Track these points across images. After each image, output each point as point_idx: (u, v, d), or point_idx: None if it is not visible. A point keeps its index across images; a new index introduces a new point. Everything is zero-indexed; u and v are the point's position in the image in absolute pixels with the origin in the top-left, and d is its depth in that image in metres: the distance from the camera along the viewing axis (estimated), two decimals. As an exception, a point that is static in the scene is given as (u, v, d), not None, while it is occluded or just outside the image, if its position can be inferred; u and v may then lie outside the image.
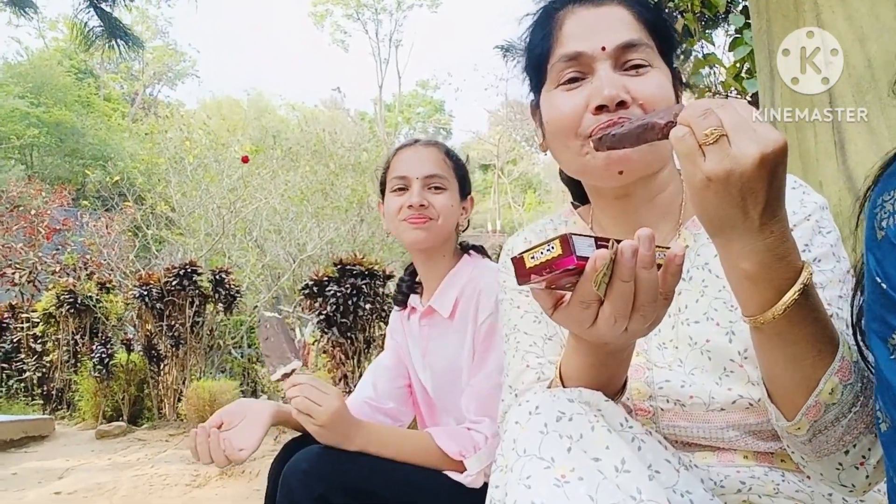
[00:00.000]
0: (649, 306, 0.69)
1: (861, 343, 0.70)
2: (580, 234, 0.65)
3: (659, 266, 0.69)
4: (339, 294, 5.48)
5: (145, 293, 6.51)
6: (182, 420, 6.07)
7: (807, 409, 0.74)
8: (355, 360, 5.45)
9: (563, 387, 0.84)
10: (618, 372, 0.83)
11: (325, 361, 5.65)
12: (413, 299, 1.72)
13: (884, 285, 0.54)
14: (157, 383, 6.53)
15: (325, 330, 5.47)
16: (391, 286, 5.83)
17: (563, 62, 0.95)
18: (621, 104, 0.90)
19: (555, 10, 1.00)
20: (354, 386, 5.29)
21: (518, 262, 0.67)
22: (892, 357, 0.54)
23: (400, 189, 1.59)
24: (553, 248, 0.64)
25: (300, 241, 10.23)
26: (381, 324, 5.67)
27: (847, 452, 0.76)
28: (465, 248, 1.70)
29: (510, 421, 0.76)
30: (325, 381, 5.62)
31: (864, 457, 0.76)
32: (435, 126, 34.20)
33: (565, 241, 0.64)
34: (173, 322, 6.53)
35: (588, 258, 0.65)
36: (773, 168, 0.64)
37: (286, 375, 1.41)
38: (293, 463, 1.29)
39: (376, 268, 5.69)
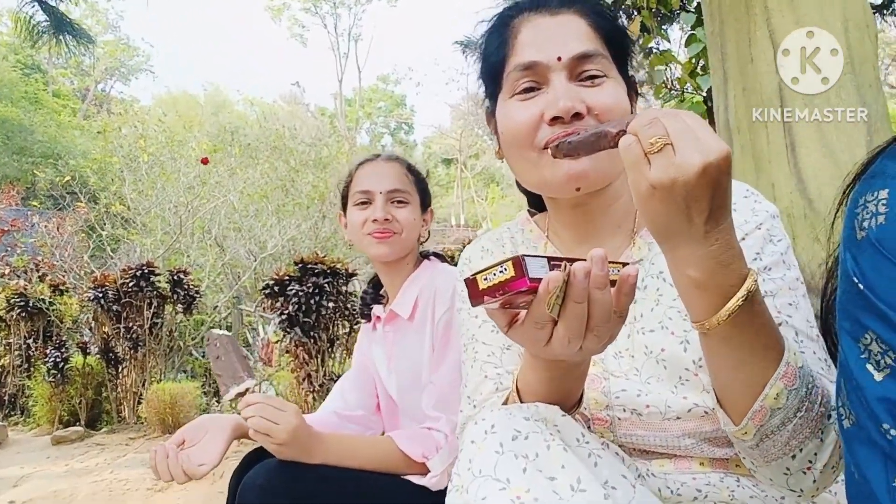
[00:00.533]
0: (603, 326, 0.69)
1: (830, 339, 0.71)
2: (533, 256, 0.65)
3: (613, 282, 0.69)
4: (300, 293, 5.41)
5: (101, 295, 6.34)
6: (143, 423, 5.94)
7: (753, 413, 0.75)
8: (319, 360, 5.40)
9: (521, 401, 0.84)
10: (574, 386, 0.84)
11: (288, 361, 5.60)
12: (377, 309, 1.75)
13: (860, 285, 0.55)
14: (115, 386, 6.38)
15: (288, 330, 5.41)
16: (354, 284, 5.80)
17: (519, 71, 0.95)
18: (576, 115, 0.91)
19: (510, 17, 1.00)
20: (319, 385, 5.27)
21: (471, 283, 0.66)
22: (863, 356, 0.55)
23: (363, 203, 1.62)
24: (506, 269, 0.64)
25: (261, 239, 10.10)
26: (345, 322, 5.64)
27: (794, 457, 0.78)
28: (425, 256, 1.74)
29: (466, 440, 0.75)
30: (289, 381, 5.58)
31: (810, 461, 0.78)
32: (397, 121, 34.05)
33: (518, 263, 0.63)
34: (131, 324, 6.38)
35: (541, 279, 0.65)
36: (716, 177, 0.65)
37: (240, 395, 1.41)
38: (249, 478, 1.28)
39: (338, 266, 5.64)
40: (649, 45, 4.83)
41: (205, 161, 8.94)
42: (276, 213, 10.60)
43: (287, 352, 5.59)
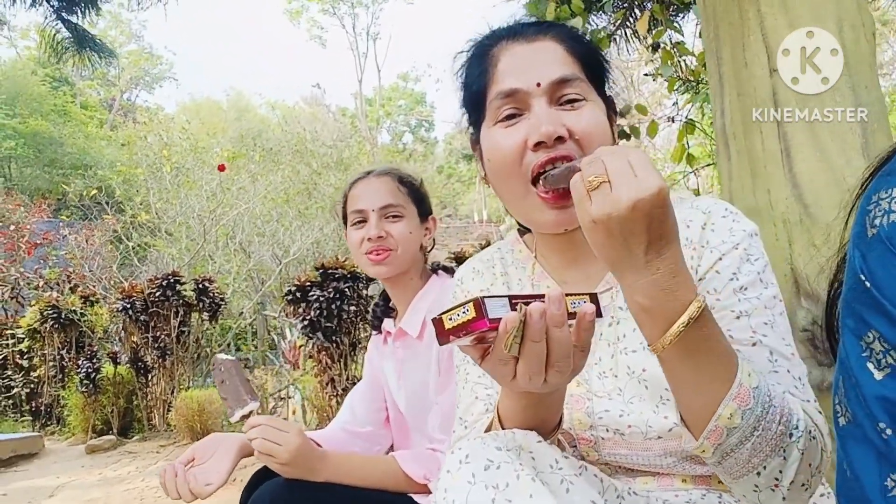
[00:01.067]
0: (564, 361, 0.71)
1: (833, 337, 0.70)
2: (493, 296, 0.67)
3: (573, 315, 0.71)
4: (322, 299, 5.48)
5: (128, 306, 6.50)
6: (172, 430, 6.08)
7: (708, 432, 0.77)
8: (342, 364, 5.46)
9: (502, 427, 0.87)
10: (549, 413, 0.86)
11: (312, 366, 5.68)
12: (387, 323, 1.75)
13: (867, 283, 0.54)
14: (145, 395, 6.54)
15: (310, 335, 5.48)
16: (376, 287, 5.85)
17: (500, 99, 0.97)
18: (559, 139, 0.93)
19: (489, 46, 1.02)
20: (342, 389, 5.33)
21: (438, 323, 0.69)
22: (864, 355, 0.55)
23: (359, 222, 1.63)
24: (468, 310, 0.67)
25: (285, 244, 10.20)
26: (367, 326, 5.70)
27: (759, 474, 0.79)
28: (434, 269, 1.73)
29: (443, 469, 0.78)
30: (313, 385, 5.65)
31: (776, 479, 0.80)
32: (417, 118, 34.05)
33: (478, 304, 0.66)
34: (159, 333, 6.53)
35: (500, 319, 0.67)
36: (648, 212, 0.69)
37: (245, 417, 1.44)
38: (258, 496, 1.33)
39: (359, 270, 5.70)
40: (659, 40, 4.74)
41: (221, 168, 9.02)
42: (299, 217, 10.70)
43: (310, 357, 5.67)
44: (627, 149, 0.73)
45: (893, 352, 0.52)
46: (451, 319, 0.68)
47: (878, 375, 0.53)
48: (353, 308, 5.55)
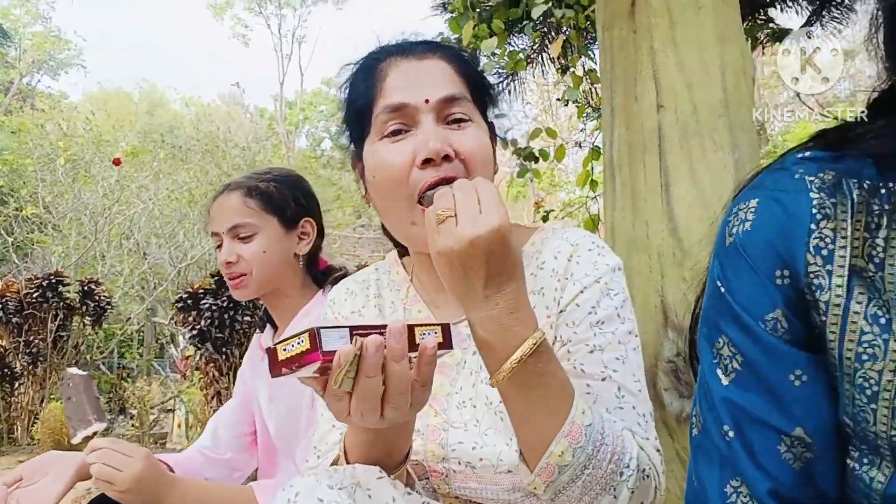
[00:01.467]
0: (401, 397, 0.69)
1: (693, 358, 0.71)
2: (333, 327, 0.65)
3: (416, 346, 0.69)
4: (214, 307, 5.24)
5: (0, 306, 6.00)
6: (36, 444, 5.63)
7: (539, 469, 0.78)
8: (230, 377, 5.22)
9: (347, 460, 0.85)
10: (394, 447, 0.83)
11: (199, 378, 5.41)
12: (266, 339, 1.62)
13: (722, 289, 0.58)
14: (9, 405, 6.04)
15: (199, 345, 5.23)
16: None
17: (387, 113, 0.96)
18: (446, 158, 0.92)
19: (378, 61, 1.01)
20: (228, 404, 5.09)
21: (272, 353, 0.66)
22: (714, 361, 0.58)
23: (218, 246, 1.52)
24: (302, 341, 0.64)
25: (184, 247, 9.77)
26: (261, 337, 5.48)
27: None
28: (321, 282, 1.58)
29: None
30: (198, 398, 5.37)
31: None
32: (338, 125, 33.65)
33: (313, 336, 0.63)
34: (33, 337, 6.08)
35: (336, 352, 0.64)
36: (486, 248, 0.72)
37: (87, 439, 1.35)
38: None
39: (255, 279, 5.48)
40: (570, 66, 4.83)
41: (117, 162, 8.53)
42: (202, 220, 10.28)
43: (197, 369, 5.40)
44: (482, 183, 0.77)
45: (739, 356, 0.56)
46: (285, 350, 0.65)
47: (724, 381, 0.57)
48: (247, 318, 5.34)
